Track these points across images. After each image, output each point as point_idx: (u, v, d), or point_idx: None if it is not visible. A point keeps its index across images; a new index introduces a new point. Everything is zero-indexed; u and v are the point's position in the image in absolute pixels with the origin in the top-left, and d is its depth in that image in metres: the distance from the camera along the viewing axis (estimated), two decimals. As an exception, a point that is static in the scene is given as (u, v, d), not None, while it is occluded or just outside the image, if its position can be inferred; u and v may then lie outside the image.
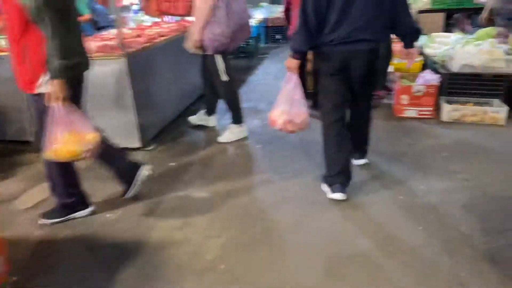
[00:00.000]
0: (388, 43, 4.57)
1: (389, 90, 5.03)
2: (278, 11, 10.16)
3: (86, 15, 4.43)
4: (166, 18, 5.80)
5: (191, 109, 4.82)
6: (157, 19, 5.84)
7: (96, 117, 3.58)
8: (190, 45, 3.67)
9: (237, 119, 3.96)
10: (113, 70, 3.48)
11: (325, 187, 2.90)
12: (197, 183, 3.13)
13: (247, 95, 5.48)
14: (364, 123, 3.12)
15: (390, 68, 5.31)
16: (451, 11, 6.72)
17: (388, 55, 4.77)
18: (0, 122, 3.87)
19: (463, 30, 6.81)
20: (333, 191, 2.79)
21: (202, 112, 4.35)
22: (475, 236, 2.36)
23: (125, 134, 3.66)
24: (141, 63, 3.72)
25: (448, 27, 7.48)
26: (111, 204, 2.90)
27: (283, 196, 2.90)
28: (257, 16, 8.77)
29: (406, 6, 2.72)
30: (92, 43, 3.69)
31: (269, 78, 6.41)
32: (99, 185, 3.11)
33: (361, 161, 3.29)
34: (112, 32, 4.62)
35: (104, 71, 3.48)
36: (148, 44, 3.87)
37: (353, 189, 2.89)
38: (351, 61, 2.71)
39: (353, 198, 2.79)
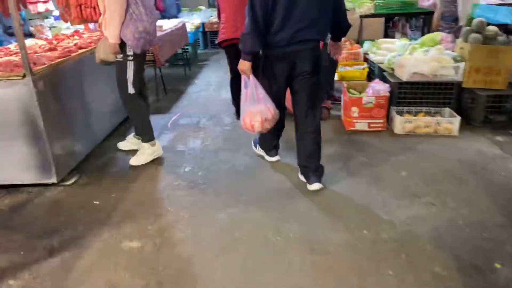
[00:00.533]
0: None
1: (335, 99, 4.76)
2: (216, 15, 9.74)
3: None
4: (92, 26, 5.15)
5: (121, 130, 4.25)
6: (79, 27, 5.18)
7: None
8: (104, 54, 3.16)
9: (149, 136, 3.53)
10: (17, 93, 2.85)
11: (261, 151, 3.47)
12: (126, 227, 2.60)
13: (186, 109, 4.98)
14: (313, 136, 2.98)
15: (335, 76, 5.07)
16: (391, 16, 6.66)
17: (333, 61, 4.50)
18: None
19: (405, 34, 6.78)
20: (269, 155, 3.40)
21: (131, 135, 3.80)
22: (451, 278, 2.07)
23: (37, 168, 3.04)
24: (54, 82, 3.11)
25: (388, 31, 7.46)
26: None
27: (233, 239, 2.46)
28: (194, 21, 8.26)
29: (343, 4, 2.88)
30: (-10, 59, 3.03)
31: (211, 88, 5.95)
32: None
33: (316, 186, 2.94)
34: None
35: (6, 94, 2.85)
36: (62, 59, 3.26)
37: (310, 225, 2.52)
38: (296, 61, 2.75)
39: (309, 237, 2.42)
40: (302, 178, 3.07)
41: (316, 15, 2.64)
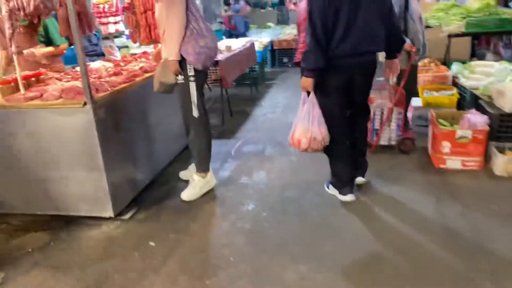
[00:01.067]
0: None
1: (410, 138, 4.11)
2: (285, 32, 9.49)
3: (62, 46, 3.70)
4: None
5: (185, 154, 4.03)
6: (147, 48, 5.12)
7: (55, 180, 2.88)
8: (163, 76, 2.97)
9: (203, 167, 3.27)
10: (77, 121, 2.70)
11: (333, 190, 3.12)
12: (182, 281, 2.30)
13: (251, 134, 4.68)
14: (363, 135, 3.17)
15: (418, 102, 4.51)
16: (480, 34, 5.93)
17: (412, 85, 4.00)
18: None
19: (498, 54, 6.01)
20: (342, 193, 3.04)
21: (193, 164, 3.56)
22: None
23: (94, 200, 2.87)
24: (115, 109, 2.94)
25: (476, 50, 6.69)
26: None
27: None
28: (263, 39, 8.04)
29: (395, 16, 2.95)
30: (54, 86, 2.93)
31: (278, 111, 5.62)
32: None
33: (359, 180, 3.18)
34: (93, 65, 3.88)
35: (66, 123, 2.71)
36: (126, 85, 3.09)
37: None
38: (356, 73, 2.82)
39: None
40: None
41: (375, 27, 2.74)
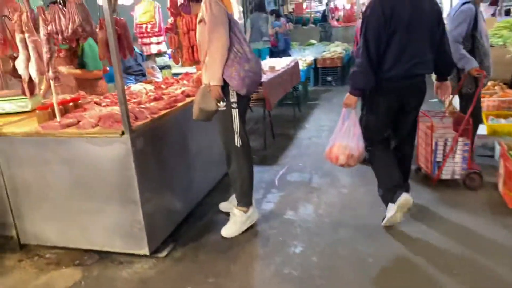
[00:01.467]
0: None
1: (475, 170, 3.63)
2: (329, 49, 9.19)
3: (94, 72, 3.56)
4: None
5: (225, 182, 3.78)
6: (190, 69, 4.97)
7: (90, 212, 2.71)
8: (204, 102, 2.78)
9: (245, 200, 3.01)
10: (113, 152, 2.51)
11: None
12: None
13: (296, 160, 4.39)
14: (409, 159, 3.11)
15: (483, 130, 4.06)
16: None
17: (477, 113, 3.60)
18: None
19: None
20: (395, 199, 2.83)
21: (234, 195, 3.29)
22: None
23: (129, 235, 2.65)
24: (154, 138, 2.74)
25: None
26: None
27: None
28: (307, 57, 7.78)
29: (447, 37, 2.87)
30: (93, 112, 2.77)
31: (323, 135, 5.29)
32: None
33: (405, 196, 2.82)
34: (134, 88, 3.73)
35: (102, 153, 2.53)
36: (166, 111, 2.89)
37: None
38: (406, 95, 2.82)
39: None
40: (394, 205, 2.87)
41: (426, 50, 2.75)
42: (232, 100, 2.78)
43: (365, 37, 2.67)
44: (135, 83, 5.74)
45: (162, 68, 6.35)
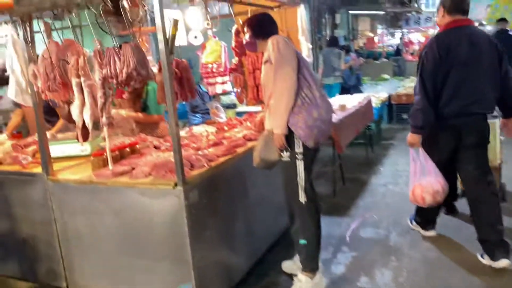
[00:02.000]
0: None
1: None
2: (404, 85, 8.61)
3: (155, 117, 3.44)
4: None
5: (286, 239, 3.39)
6: (255, 109, 4.75)
7: (139, 269, 2.44)
8: (265, 152, 2.49)
9: (311, 265, 2.60)
10: (165, 205, 2.27)
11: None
12: None
13: (369, 212, 3.90)
14: (490, 204, 2.81)
15: None
16: None
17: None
18: (28, 258, 2.88)
19: None
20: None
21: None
22: None
23: (178, 299, 2.36)
24: (210, 190, 2.47)
25: None
26: None
27: None
28: (380, 94, 7.29)
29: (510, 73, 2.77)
30: (149, 158, 2.59)
31: (401, 181, 4.73)
32: None
33: (504, 262, 2.66)
34: (195, 130, 3.56)
35: (152, 206, 2.30)
36: (225, 159, 2.63)
37: None
38: (463, 134, 2.77)
39: None
40: (484, 260, 2.78)
41: (485, 89, 2.71)
42: (297, 150, 2.46)
43: (421, 75, 2.73)
44: (201, 121, 5.69)
45: (228, 106, 6.25)
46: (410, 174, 2.93)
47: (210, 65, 4.25)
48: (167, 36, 2.05)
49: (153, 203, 2.30)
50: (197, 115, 5.99)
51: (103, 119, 2.25)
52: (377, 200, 4.24)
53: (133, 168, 2.48)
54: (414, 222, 3.38)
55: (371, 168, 5.34)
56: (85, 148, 3.08)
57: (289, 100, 2.38)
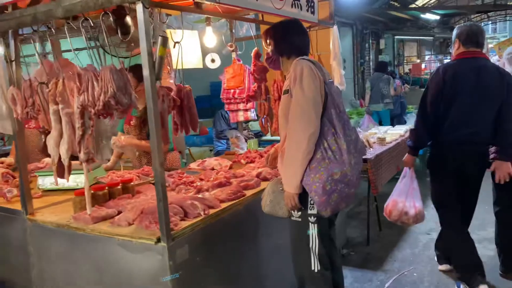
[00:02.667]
0: None
1: None
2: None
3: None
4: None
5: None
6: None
7: None
8: (272, 206, 2.07)
9: None
10: (147, 263, 1.85)
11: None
12: None
13: (407, 266, 3.30)
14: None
15: None
16: None
17: None
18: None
19: None
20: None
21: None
22: None
23: None
24: (203, 245, 2.01)
25: None
26: None
27: None
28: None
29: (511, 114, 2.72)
30: (138, 202, 2.19)
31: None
32: None
33: None
34: (208, 163, 3.17)
35: (134, 262, 1.88)
36: (228, 204, 2.19)
37: None
38: (466, 164, 2.76)
39: None
40: None
41: (489, 120, 2.70)
42: (310, 212, 1.99)
43: (423, 99, 2.80)
44: (226, 148, 5.30)
45: (257, 134, 5.83)
46: (394, 189, 3.05)
47: (232, 90, 3.88)
48: (154, 59, 1.67)
49: (134, 259, 1.88)
50: (222, 141, 5.63)
51: (81, 155, 1.88)
52: (417, 252, 3.62)
53: (119, 212, 2.10)
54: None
55: (412, 210, 4.70)
56: (82, 180, 2.74)
57: (306, 153, 1.92)
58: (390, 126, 5.55)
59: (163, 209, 1.75)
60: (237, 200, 2.25)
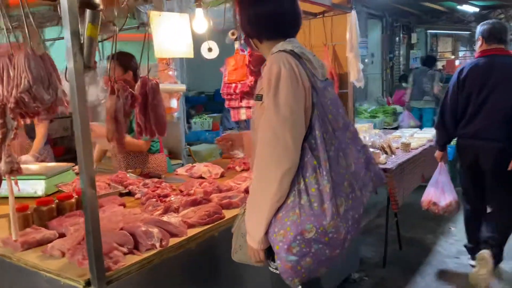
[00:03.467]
0: None
1: None
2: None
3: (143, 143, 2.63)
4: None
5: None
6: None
7: None
8: (236, 251, 1.56)
9: None
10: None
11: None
12: None
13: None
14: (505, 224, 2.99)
15: None
16: None
17: None
18: None
19: None
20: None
21: None
22: None
23: None
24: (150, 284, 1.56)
25: None
26: None
27: None
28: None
29: None
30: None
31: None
32: None
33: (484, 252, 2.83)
34: (197, 168, 2.73)
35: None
36: (200, 230, 1.72)
37: None
38: (480, 158, 2.91)
39: None
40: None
41: (504, 116, 2.79)
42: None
43: (444, 98, 3.03)
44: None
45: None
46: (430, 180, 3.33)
47: (233, 85, 3.40)
48: (81, 41, 1.21)
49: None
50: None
51: (1, 164, 1.45)
52: (443, 280, 3.06)
53: (62, 236, 1.67)
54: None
55: (439, 225, 4.12)
56: (42, 187, 2.34)
57: (277, 198, 1.37)
58: (418, 129, 4.94)
59: (93, 244, 1.29)
60: (211, 225, 1.78)
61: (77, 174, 2.66)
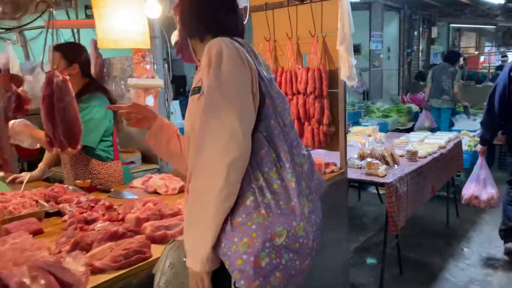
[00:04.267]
0: None
1: None
2: None
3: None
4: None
5: None
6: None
7: None
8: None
9: None
10: None
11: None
12: None
13: None
14: None
15: None
16: None
17: None
18: None
19: None
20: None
21: None
22: None
23: None
24: None
25: None
26: None
27: None
28: (476, 132, 5.40)
29: None
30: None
31: (497, 280, 2.99)
32: None
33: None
34: (153, 181, 2.32)
35: None
36: (108, 277, 1.30)
37: None
38: None
39: None
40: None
41: None
42: None
43: (492, 94, 3.09)
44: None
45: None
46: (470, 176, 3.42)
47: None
48: None
49: None
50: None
51: None
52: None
53: None
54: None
55: (449, 244, 3.63)
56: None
57: (224, 198, 1.10)
58: (430, 133, 4.41)
59: None
60: (127, 270, 1.35)
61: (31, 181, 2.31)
